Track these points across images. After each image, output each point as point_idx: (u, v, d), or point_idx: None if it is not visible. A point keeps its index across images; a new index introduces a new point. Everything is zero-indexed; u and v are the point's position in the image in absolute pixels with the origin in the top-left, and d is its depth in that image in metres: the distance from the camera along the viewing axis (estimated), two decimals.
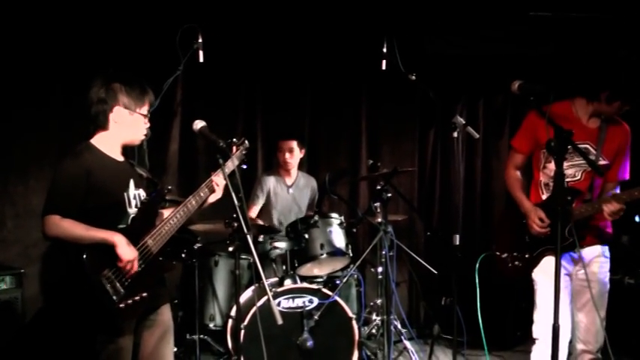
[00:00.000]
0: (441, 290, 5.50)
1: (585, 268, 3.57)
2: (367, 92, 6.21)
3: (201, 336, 4.84)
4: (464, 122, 4.48)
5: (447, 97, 6.18)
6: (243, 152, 3.57)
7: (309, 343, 4.45)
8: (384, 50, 5.47)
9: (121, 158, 3.22)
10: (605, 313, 3.66)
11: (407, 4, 5.56)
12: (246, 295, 4.64)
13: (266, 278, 3.23)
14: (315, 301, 4.55)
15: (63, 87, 5.03)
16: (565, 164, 3.58)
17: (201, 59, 4.88)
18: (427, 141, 6.43)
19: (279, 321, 3.00)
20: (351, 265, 4.90)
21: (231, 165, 3.41)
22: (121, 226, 3.05)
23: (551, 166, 3.63)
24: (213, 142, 3.25)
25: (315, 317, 4.49)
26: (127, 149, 3.29)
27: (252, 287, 4.69)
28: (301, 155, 5.47)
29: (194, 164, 5.70)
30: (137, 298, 3.00)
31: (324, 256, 4.72)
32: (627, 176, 3.75)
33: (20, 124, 4.98)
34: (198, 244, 4.80)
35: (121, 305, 2.92)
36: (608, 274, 3.69)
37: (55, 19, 4.98)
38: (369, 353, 4.92)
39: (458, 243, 4.45)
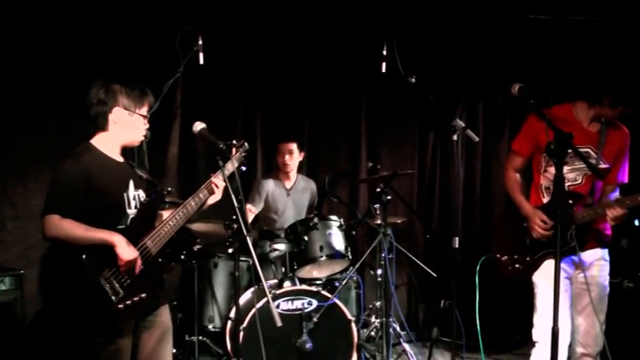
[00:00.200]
0: (440, 293, 5.50)
1: (585, 271, 3.57)
2: (367, 94, 6.21)
3: (200, 337, 4.85)
4: (463, 125, 4.48)
5: (447, 100, 6.19)
6: (243, 154, 3.57)
7: (308, 346, 4.45)
8: (384, 52, 5.47)
9: (120, 159, 3.22)
10: (605, 316, 3.66)
11: (407, 6, 5.57)
12: (245, 297, 4.64)
13: (265, 280, 3.24)
14: (315, 303, 4.55)
15: (63, 88, 5.03)
16: (566, 168, 3.58)
17: (201, 61, 4.89)
18: (427, 143, 6.43)
19: (279, 323, 3.00)
20: (351, 268, 4.90)
21: (230, 167, 3.41)
22: (121, 226, 3.05)
23: (552, 169, 3.62)
24: (213, 143, 3.25)
25: (314, 319, 4.49)
26: (126, 150, 3.29)
27: (252, 289, 4.68)
28: (300, 158, 5.47)
29: (193, 166, 5.70)
30: (136, 299, 3.00)
31: (324, 258, 4.72)
32: (626, 179, 3.75)
33: (20, 124, 4.98)
34: (198, 246, 4.80)
35: (119, 306, 2.92)
36: (608, 277, 3.69)
37: (55, 19, 4.98)
38: (367, 356, 4.92)
39: (457, 245, 4.46)
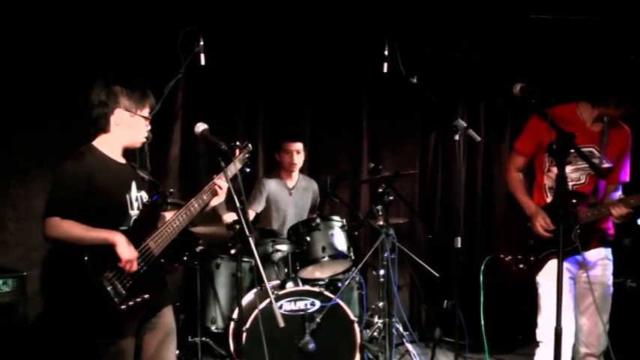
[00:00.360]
0: (443, 293, 5.48)
1: (588, 271, 3.56)
2: (368, 95, 6.21)
3: (203, 339, 4.85)
4: (465, 125, 4.49)
5: (449, 100, 6.18)
6: (246, 156, 3.57)
7: (311, 346, 4.45)
8: (386, 53, 5.48)
9: (122, 160, 3.22)
10: (609, 316, 3.65)
11: (408, 7, 5.57)
12: (247, 298, 4.64)
13: (268, 281, 3.23)
14: (317, 303, 4.55)
15: (64, 89, 5.03)
16: (570, 168, 3.59)
17: (202, 62, 4.89)
18: (428, 144, 6.43)
19: (281, 324, 3.00)
20: (353, 268, 4.90)
21: (233, 168, 3.41)
22: (123, 227, 3.05)
23: (556, 169, 3.62)
24: (215, 144, 3.25)
25: (317, 320, 4.49)
26: (128, 152, 3.29)
27: (254, 290, 4.68)
28: (304, 157, 5.47)
29: (195, 167, 5.70)
30: (139, 299, 2.99)
31: (326, 259, 4.72)
32: (628, 178, 3.76)
33: (21, 126, 4.98)
34: (200, 247, 4.80)
35: (122, 307, 2.91)
36: (611, 277, 3.69)
37: (56, 21, 4.98)
38: (370, 356, 4.92)
39: (459, 246, 4.45)
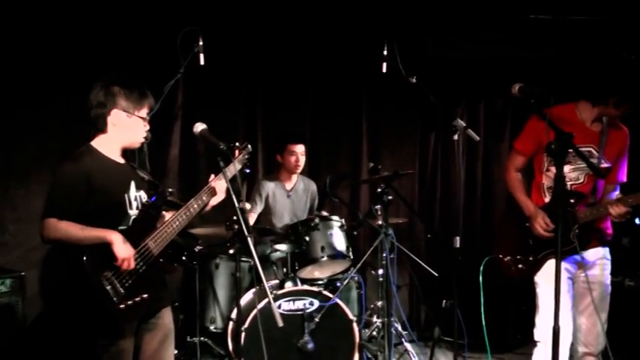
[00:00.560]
0: (442, 293, 5.50)
1: (586, 270, 3.57)
2: (368, 95, 6.21)
3: (202, 338, 4.85)
4: (464, 125, 4.49)
5: (448, 100, 6.17)
6: (246, 156, 3.58)
7: (310, 346, 4.46)
8: (385, 53, 5.48)
9: (121, 160, 3.23)
10: (607, 315, 3.66)
11: (407, 7, 5.57)
12: (246, 298, 4.65)
13: (267, 281, 3.24)
14: (316, 303, 4.56)
15: (64, 90, 5.03)
16: (568, 167, 3.59)
17: (201, 62, 4.89)
18: (428, 143, 6.43)
19: (280, 323, 3.00)
20: (352, 268, 4.90)
21: (233, 169, 3.41)
22: (122, 227, 3.06)
23: (555, 169, 3.63)
24: (214, 144, 3.24)
25: (316, 320, 4.50)
26: (127, 152, 3.30)
27: (253, 290, 4.69)
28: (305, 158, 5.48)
29: (194, 167, 5.69)
30: (137, 299, 3.00)
31: (325, 258, 4.72)
32: (625, 178, 3.77)
33: (21, 126, 4.99)
34: (199, 247, 4.80)
35: (121, 306, 2.92)
36: (609, 276, 3.69)
37: (56, 21, 4.98)
38: (369, 356, 4.92)
39: (458, 245, 4.46)
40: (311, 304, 4.55)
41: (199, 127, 3.33)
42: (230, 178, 3.29)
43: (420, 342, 5.59)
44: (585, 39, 5.76)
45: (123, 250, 2.93)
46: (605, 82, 3.58)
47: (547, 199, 3.71)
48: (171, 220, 3.18)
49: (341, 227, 4.88)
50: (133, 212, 3.15)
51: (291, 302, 4.52)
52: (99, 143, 3.15)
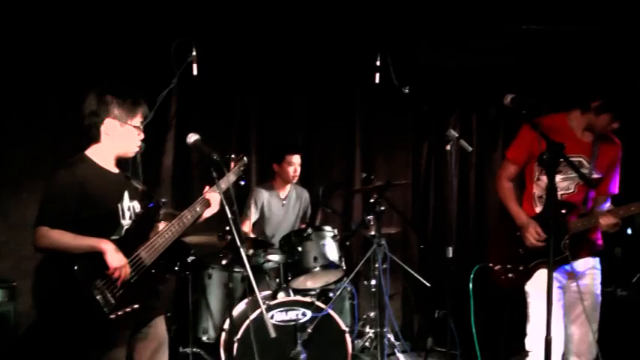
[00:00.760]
0: (435, 303, 5.50)
1: (578, 280, 3.58)
2: (361, 105, 6.23)
3: (195, 349, 4.83)
4: (457, 135, 4.50)
5: (441, 110, 6.20)
6: (241, 168, 3.57)
7: (303, 357, 4.45)
8: (378, 64, 5.50)
9: (115, 170, 3.21)
10: (598, 325, 3.67)
11: (400, 18, 5.60)
12: (239, 308, 4.63)
13: (259, 291, 3.24)
14: (309, 314, 4.55)
15: (56, 99, 5.04)
16: (559, 177, 3.61)
17: (195, 72, 4.90)
18: (421, 153, 6.45)
19: (273, 334, 3.00)
20: (345, 278, 4.90)
21: (227, 181, 3.40)
22: (114, 237, 3.05)
23: (545, 178, 3.64)
24: (207, 154, 3.25)
25: (309, 330, 4.49)
26: (121, 161, 3.29)
27: (246, 300, 4.67)
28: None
29: (188, 177, 5.70)
30: (128, 309, 2.99)
31: (318, 268, 4.72)
32: (617, 190, 3.78)
33: (13, 135, 4.99)
34: (192, 257, 4.79)
35: (111, 316, 2.91)
36: (600, 286, 3.70)
37: (50, 31, 5.00)
38: None
39: (451, 255, 4.46)
40: (304, 314, 4.55)
41: (193, 137, 3.33)
42: (225, 190, 3.29)
43: (412, 352, 5.59)
44: (576, 49, 5.78)
45: (115, 259, 2.92)
46: (586, 86, 3.61)
47: (538, 209, 3.73)
48: (164, 230, 3.17)
49: (334, 237, 4.88)
50: (126, 222, 3.14)
51: (284, 313, 4.52)
52: (93, 152, 3.14)
